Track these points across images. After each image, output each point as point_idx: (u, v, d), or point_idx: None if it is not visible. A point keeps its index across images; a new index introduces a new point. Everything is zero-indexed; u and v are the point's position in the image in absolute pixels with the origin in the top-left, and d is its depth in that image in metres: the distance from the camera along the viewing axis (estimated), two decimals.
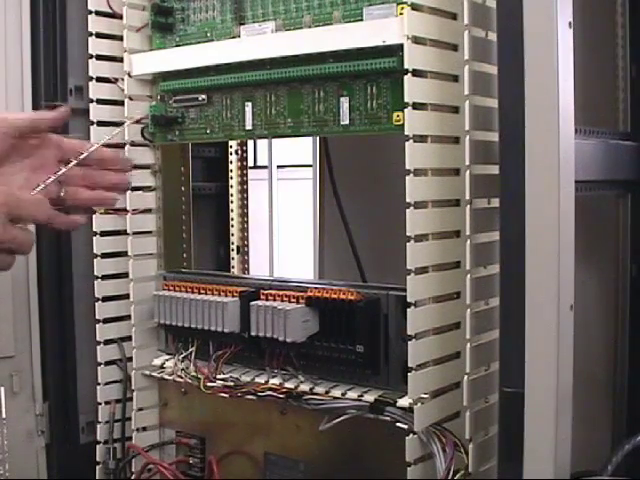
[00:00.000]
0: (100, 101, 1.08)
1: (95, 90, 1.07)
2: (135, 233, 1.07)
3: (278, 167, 3.25)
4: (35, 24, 1.10)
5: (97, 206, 0.98)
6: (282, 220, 3.33)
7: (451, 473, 0.79)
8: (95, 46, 1.07)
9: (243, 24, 0.96)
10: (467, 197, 0.80)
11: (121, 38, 1.06)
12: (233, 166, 1.50)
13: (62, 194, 0.87)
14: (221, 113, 1.00)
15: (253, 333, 0.95)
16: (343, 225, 1.25)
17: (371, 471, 0.91)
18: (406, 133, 0.79)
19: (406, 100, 0.79)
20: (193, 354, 1.03)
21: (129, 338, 1.09)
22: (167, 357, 1.09)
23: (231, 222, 1.50)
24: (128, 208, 1.06)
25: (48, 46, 1.11)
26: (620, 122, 0.97)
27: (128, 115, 1.06)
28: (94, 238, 1.07)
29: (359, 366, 0.90)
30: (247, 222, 1.56)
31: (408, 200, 0.80)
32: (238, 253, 1.54)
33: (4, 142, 0.83)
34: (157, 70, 1.04)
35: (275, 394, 0.94)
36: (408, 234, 0.80)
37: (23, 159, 0.85)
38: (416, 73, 0.79)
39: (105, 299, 1.09)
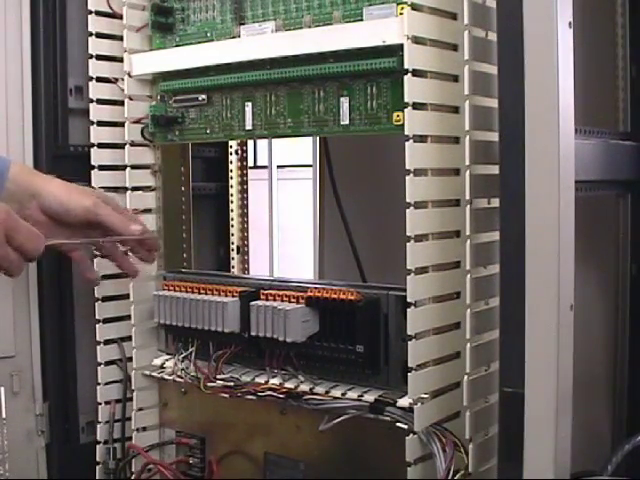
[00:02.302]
0: (100, 101, 1.08)
1: (95, 90, 1.07)
2: None
3: (278, 167, 3.25)
4: (35, 24, 1.10)
5: (119, 266, 1.05)
6: (282, 220, 3.33)
7: (451, 473, 0.79)
8: (95, 46, 1.07)
9: (243, 24, 0.96)
10: (467, 197, 0.81)
11: (121, 38, 1.06)
12: (233, 166, 1.50)
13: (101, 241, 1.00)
14: (221, 113, 1.00)
15: (253, 333, 0.95)
16: (343, 225, 1.25)
17: (371, 471, 0.91)
18: (406, 133, 0.79)
19: (406, 100, 0.79)
20: (193, 354, 1.03)
21: (129, 338, 1.09)
22: (167, 357, 1.09)
23: (231, 222, 1.50)
24: (128, 208, 1.06)
25: (48, 46, 1.11)
26: (620, 122, 0.97)
27: (128, 115, 1.06)
28: None
29: (359, 366, 0.90)
30: (247, 222, 1.55)
31: (408, 200, 0.80)
32: (238, 253, 1.53)
33: (81, 222, 0.96)
34: (157, 70, 1.04)
35: (275, 394, 0.94)
36: (408, 234, 0.80)
37: (87, 227, 0.98)
38: (416, 73, 0.79)
39: (105, 299, 1.09)
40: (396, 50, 0.82)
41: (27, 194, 0.95)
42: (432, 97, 0.81)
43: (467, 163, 0.80)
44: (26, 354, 1.12)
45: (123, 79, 1.06)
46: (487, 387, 0.83)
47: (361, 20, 0.85)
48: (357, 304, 0.88)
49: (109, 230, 0.98)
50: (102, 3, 1.07)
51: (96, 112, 1.07)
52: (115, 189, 1.08)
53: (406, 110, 0.79)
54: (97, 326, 1.09)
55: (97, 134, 1.08)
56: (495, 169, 0.74)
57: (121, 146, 1.07)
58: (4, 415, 1.09)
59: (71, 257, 1.04)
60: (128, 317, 1.09)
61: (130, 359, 1.09)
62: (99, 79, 1.07)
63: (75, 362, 1.15)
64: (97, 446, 1.10)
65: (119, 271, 1.08)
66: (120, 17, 1.05)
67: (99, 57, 1.07)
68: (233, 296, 0.98)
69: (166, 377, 1.07)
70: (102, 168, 1.08)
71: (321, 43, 0.87)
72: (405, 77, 0.79)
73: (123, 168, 1.07)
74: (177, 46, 1.03)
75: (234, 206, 1.51)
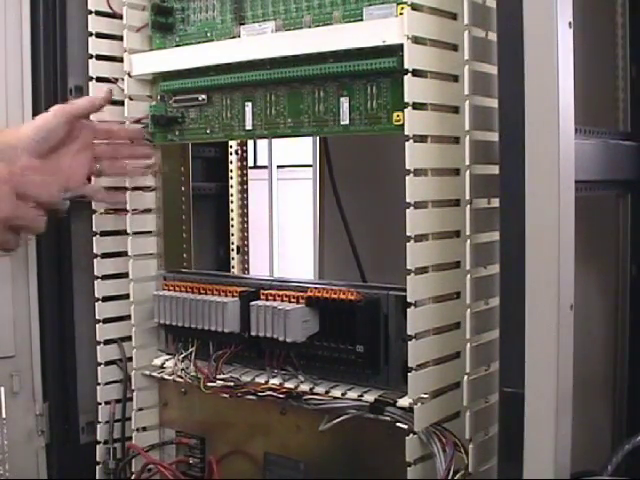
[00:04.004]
0: None
1: (95, 90, 1.07)
2: (135, 233, 1.07)
3: (278, 167, 3.24)
4: (35, 24, 1.10)
5: (129, 175, 1.05)
6: (282, 220, 3.33)
7: (451, 473, 0.79)
8: (95, 46, 1.07)
9: (243, 24, 0.96)
10: (467, 197, 0.80)
11: (121, 38, 1.06)
12: (233, 166, 1.50)
13: (98, 167, 1.00)
14: (221, 113, 1.00)
15: (253, 333, 0.95)
16: (343, 225, 1.25)
17: (371, 471, 0.91)
18: (406, 133, 0.79)
19: (406, 100, 0.79)
20: (193, 354, 1.03)
21: (129, 338, 1.09)
22: (167, 357, 1.09)
23: (231, 222, 1.50)
24: (128, 208, 1.06)
25: (48, 46, 1.11)
26: (620, 122, 0.97)
27: (128, 115, 1.06)
28: (94, 238, 1.08)
29: (359, 366, 0.90)
30: (247, 222, 1.56)
31: (408, 200, 0.80)
32: (238, 253, 1.54)
33: (64, 130, 0.96)
34: (157, 70, 1.04)
35: (275, 394, 0.94)
36: (408, 234, 0.80)
37: (70, 144, 0.98)
38: (416, 73, 0.79)
39: (105, 299, 1.09)
40: (396, 50, 0.82)
41: (10, 146, 0.93)
42: (432, 97, 0.81)
43: (467, 163, 0.80)
44: (26, 354, 1.12)
45: (123, 79, 1.06)
46: (487, 387, 0.83)
47: (361, 20, 0.85)
48: (357, 304, 0.88)
49: (83, 114, 0.99)
50: (102, 3, 1.07)
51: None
52: (115, 189, 1.08)
53: (406, 110, 0.79)
54: (97, 326, 1.09)
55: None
56: (495, 169, 0.74)
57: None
58: (4, 415, 1.10)
59: (84, 194, 1.03)
60: (128, 317, 1.09)
61: (130, 359, 1.09)
62: (99, 79, 1.07)
63: (75, 362, 1.16)
64: (97, 446, 1.10)
65: (119, 271, 1.08)
66: (120, 17, 1.05)
67: (99, 57, 1.07)
68: (233, 296, 0.98)
69: (166, 377, 1.07)
70: None
71: (321, 43, 0.87)
72: (405, 77, 0.79)
73: None
74: (177, 46, 1.03)
75: (234, 206, 1.51)
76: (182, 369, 1.04)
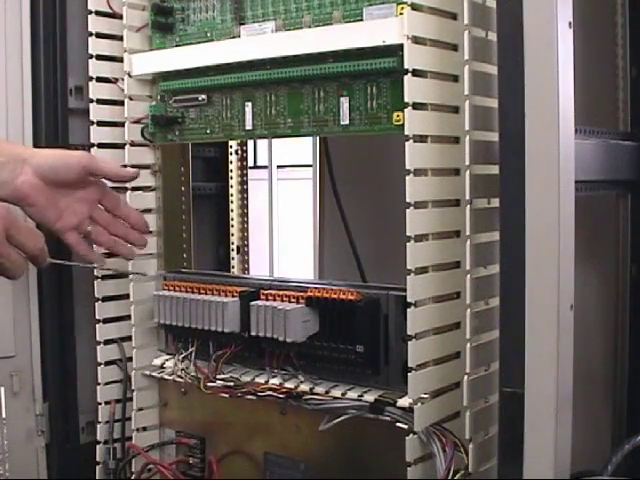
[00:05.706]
0: (100, 101, 1.08)
1: (95, 90, 1.07)
2: None
3: (278, 167, 3.24)
4: (35, 24, 1.10)
5: (113, 251, 1.04)
6: (282, 220, 3.33)
7: (451, 473, 0.79)
8: (95, 46, 1.07)
9: (243, 24, 0.96)
10: (467, 197, 0.80)
11: (121, 38, 1.06)
12: (233, 166, 1.50)
13: (89, 229, 1.00)
14: (221, 113, 1.00)
15: (253, 333, 0.95)
16: (343, 225, 1.25)
17: (371, 471, 0.91)
18: (406, 133, 0.79)
19: (406, 100, 0.79)
20: (193, 354, 1.03)
21: (129, 338, 1.09)
22: (167, 357, 1.09)
23: (231, 222, 1.50)
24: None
25: (48, 46, 1.11)
26: (620, 122, 0.97)
27: (128, 115, 1.06)
28: None
29: (359, 366, 0.90)
30: (247, 222, 1.55)
31: (408, 200, 0.80)
32: (238, 253, 1.53)
33: (77, 173, 0.96)
34: (157, 70, 1.04)
35: (275, 394, 0.94)
36: (408, 234, 0.80)
37: (76, 189, 0.98)
38: (416, 73, 0.79)
39: (105, 299, 1.09)
40: (396, 50, 0.82)
41: (18, 160, 0.94)
42: (432, 97, 0.81)
43: (467, 163, 0.80)
44: (26, 354, 1.12)
45: (123, 79, 1.06)
46: (487, 387, 0.83)
47: (361, 20, 0.85)
48: (357, 304, 0.88)
49: (104, 176, 0.99)
50: (102, 3, 1.07)
51: (96, 112, 1.07)
52: (115, 189, 1.08)
53: (406, 110, 0.79)
54: (97, 326, 1.09)
55: (97, 134, 1.08)
56: (495, 169, 0.74)
57: (121, 146, 1.07)
58: (4, 415, 1.10)
59: (66, 241, 1.01)
60: (128, 317, 1.09)
61: (130, 359, 1.09)
62: (99, 79, 1.07)
63: (75, 362, 1.15)
64: (97, 446, 1.10)
65: (119, 271, 1.08)
66: (120, 17, 1.05)
67: (99, 57, 1.07)
68: (233, 296, 0.98)
69: (166, 377, 1.07)
70: None
71: (321, 43, 0.87)
72: (405, 77, 0.79)
73: None
74: (177, 46, 1.03)
75: (234, 206, 1.51)
76: (182, 369, 1.04)
